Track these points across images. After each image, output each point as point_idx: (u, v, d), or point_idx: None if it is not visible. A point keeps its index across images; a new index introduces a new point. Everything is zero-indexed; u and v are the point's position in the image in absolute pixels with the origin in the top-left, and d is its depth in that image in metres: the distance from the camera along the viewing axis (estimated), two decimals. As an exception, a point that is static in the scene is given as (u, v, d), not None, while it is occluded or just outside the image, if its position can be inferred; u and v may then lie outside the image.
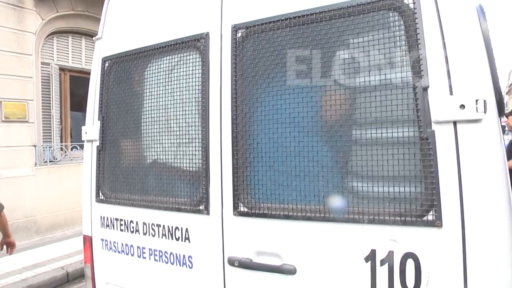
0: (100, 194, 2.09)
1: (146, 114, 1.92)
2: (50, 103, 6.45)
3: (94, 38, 2.21)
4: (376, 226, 1.33)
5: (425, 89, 1.27)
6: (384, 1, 1.34)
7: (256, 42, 1.60)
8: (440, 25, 1.27)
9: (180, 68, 1.81)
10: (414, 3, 1.30)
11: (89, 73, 2.23)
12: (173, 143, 1.81)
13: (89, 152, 2.15)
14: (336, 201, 1.41)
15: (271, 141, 1.53)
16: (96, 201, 2.11)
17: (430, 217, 1.25)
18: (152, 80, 1.91)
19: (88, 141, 2.16)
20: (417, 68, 1.28)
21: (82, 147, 6.31)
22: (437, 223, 1.24)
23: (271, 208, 1.53)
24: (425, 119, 1.26)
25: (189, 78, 1.77)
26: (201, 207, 1.70)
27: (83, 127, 2.17)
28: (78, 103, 6.96)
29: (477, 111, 1.19)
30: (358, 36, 1.39)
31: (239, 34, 1.63)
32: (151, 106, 1.90)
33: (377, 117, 1.34)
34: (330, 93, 1.43)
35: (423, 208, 1.27)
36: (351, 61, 1.40)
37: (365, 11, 1.37)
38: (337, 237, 1.41)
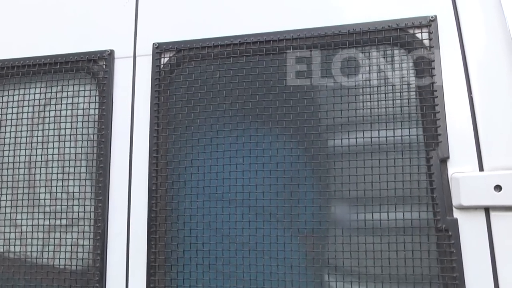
0: None
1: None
2: None
3: None
4: None
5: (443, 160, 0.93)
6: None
7: (191, 71, 1.09)
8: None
9: (58, 104, 1.17)
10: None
11: None
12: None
13: None
14: None
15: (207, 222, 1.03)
16: None
17: None
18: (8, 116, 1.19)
19: None
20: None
21: None
22: None
23: None
24: (445, 204, 0.91)
25: (74, 122, 1.14)
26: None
27: None
28: None
29: None
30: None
31: (165, 59, 1.09)
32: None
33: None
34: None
35: None
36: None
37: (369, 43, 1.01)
38: None
